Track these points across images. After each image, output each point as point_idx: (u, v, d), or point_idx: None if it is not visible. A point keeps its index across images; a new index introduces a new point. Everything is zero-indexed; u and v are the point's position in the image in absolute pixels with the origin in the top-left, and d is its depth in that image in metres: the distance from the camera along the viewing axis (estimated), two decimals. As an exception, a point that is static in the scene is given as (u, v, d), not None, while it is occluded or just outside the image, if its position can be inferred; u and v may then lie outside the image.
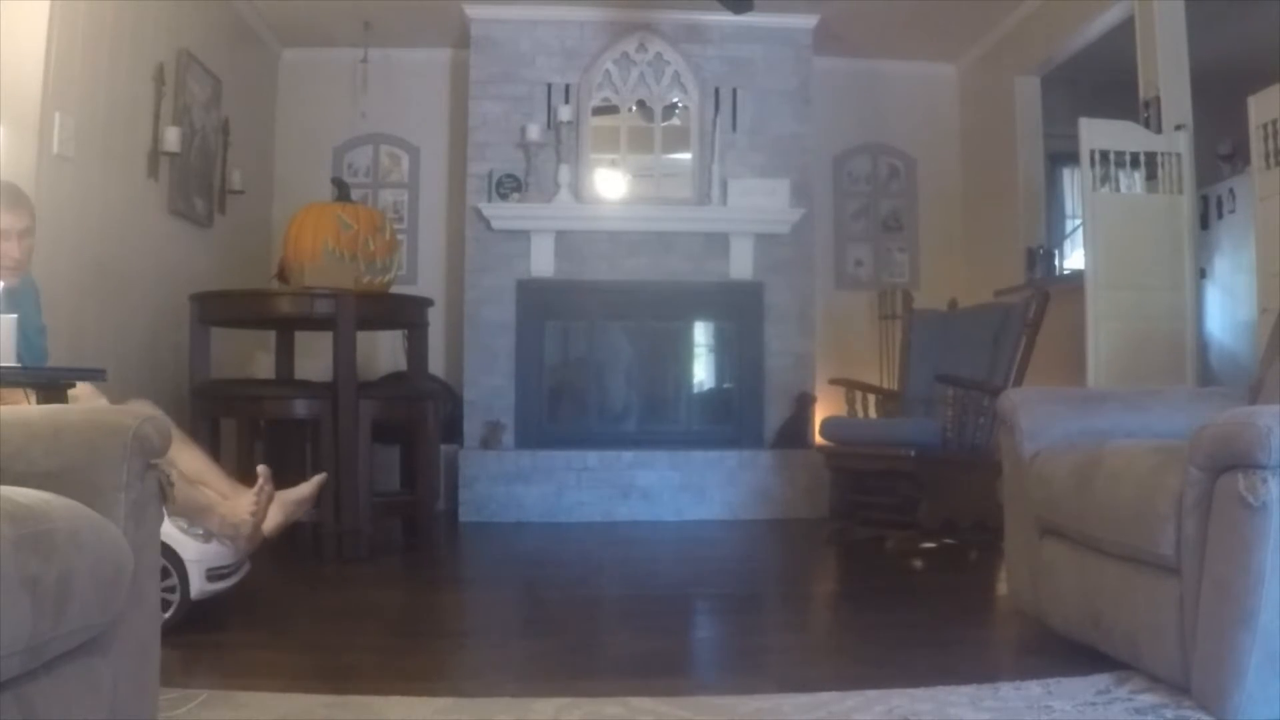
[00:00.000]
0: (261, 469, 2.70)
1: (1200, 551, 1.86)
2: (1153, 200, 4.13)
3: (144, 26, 4.05)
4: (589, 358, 5.53)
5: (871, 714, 1.86)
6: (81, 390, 2.61)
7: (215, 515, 2.62)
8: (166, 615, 2.46)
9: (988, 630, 2.78)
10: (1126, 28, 4.45)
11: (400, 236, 5.26)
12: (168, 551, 2.46)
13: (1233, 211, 4.33)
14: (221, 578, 2.59)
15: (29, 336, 2.85)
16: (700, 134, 5.45)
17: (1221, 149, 5.02)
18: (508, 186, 5.32)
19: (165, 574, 2.46)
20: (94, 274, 3.71)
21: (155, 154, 4.18)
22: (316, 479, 2.87)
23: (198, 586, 2.52)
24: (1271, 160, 3.60)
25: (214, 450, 3.98)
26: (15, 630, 1.05)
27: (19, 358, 2.68)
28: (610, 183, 5.49)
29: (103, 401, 2.62)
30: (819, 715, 1.86)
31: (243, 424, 3.82)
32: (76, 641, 1.22)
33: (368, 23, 5.40)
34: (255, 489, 2.67)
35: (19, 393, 2.61)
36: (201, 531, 2.57)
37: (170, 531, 2.51)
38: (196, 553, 2.53)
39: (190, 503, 2.59)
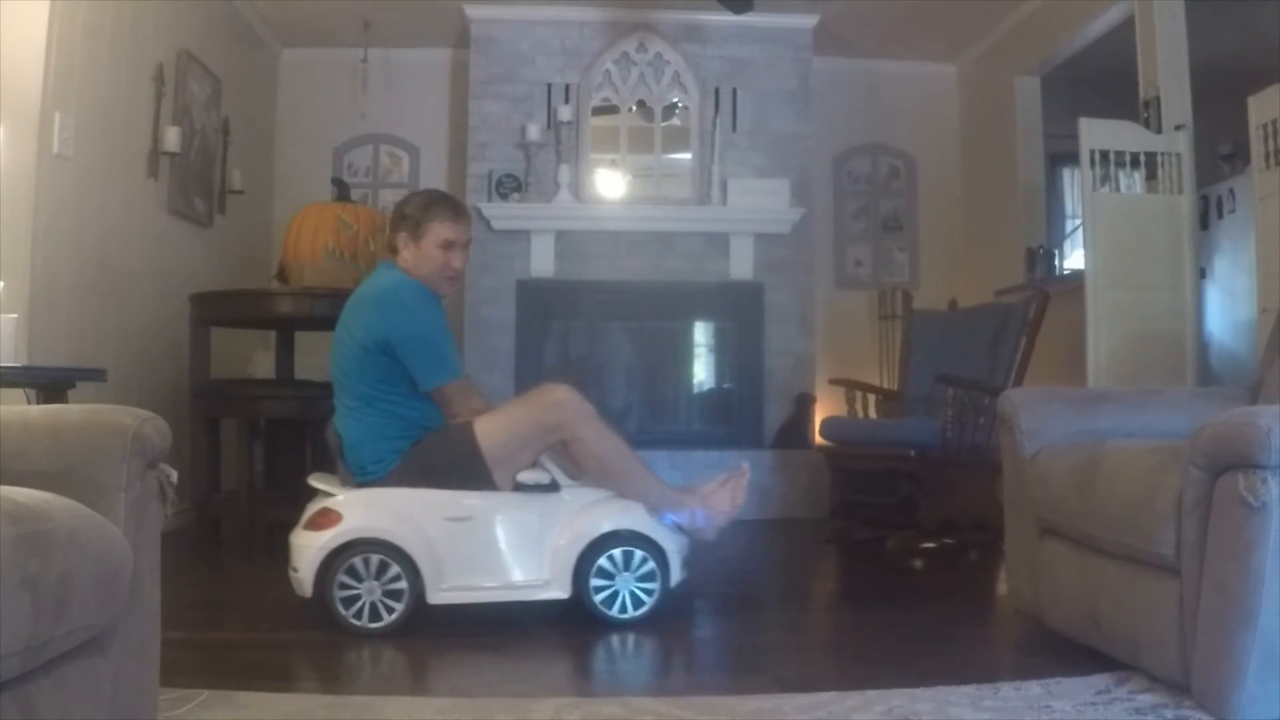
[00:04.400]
0: (744, 465, 2.85)
1: (1200, 551, 1.86)
2: (1153, 200, 4.13)
3: (144, 26, 4.04)
4: (589, 358, 5.52)
5: (871, 714, 1.86)
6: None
7: (685, 508, 2.75)
8: (647, 607, 2.65)
9: (988, 630, 2.78)
10: (1126, 28, 4.45)
11: (400, 236, 5.26)
12: (654, 546, 2.67)
13: (1233, 211, 4.33)
14: (683, 566, 2.75)
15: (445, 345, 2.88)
16: (700, 134, 5.45)
17: (1221, 149, 5.02)
18: (508, 186, 5.32)
19: (651, 576, 2.66)
20: (94, 274, 3.71)
21: (155, 154, 4.18)
22: (743, 474, 2.88)
23: (676, 576, 2.72)
24: (1271, 160, 3.60)
25: (213, 450, 4.00)
26: (15, 630, 1.05)
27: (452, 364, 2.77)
28: (610, 183, 5.49)
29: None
30: (819, 715, 1.86)
31: (242, 424, 3.82)
32: (76, 641, 1.22)
33: (368, 23, 5.40)
34: (743, 482, 2.80)
35: None
36: (671, 523, 2.73)
37: (656, 528, 2.69)
38: (676, 544, 2.73)
39: (661, 495, 2.73)
